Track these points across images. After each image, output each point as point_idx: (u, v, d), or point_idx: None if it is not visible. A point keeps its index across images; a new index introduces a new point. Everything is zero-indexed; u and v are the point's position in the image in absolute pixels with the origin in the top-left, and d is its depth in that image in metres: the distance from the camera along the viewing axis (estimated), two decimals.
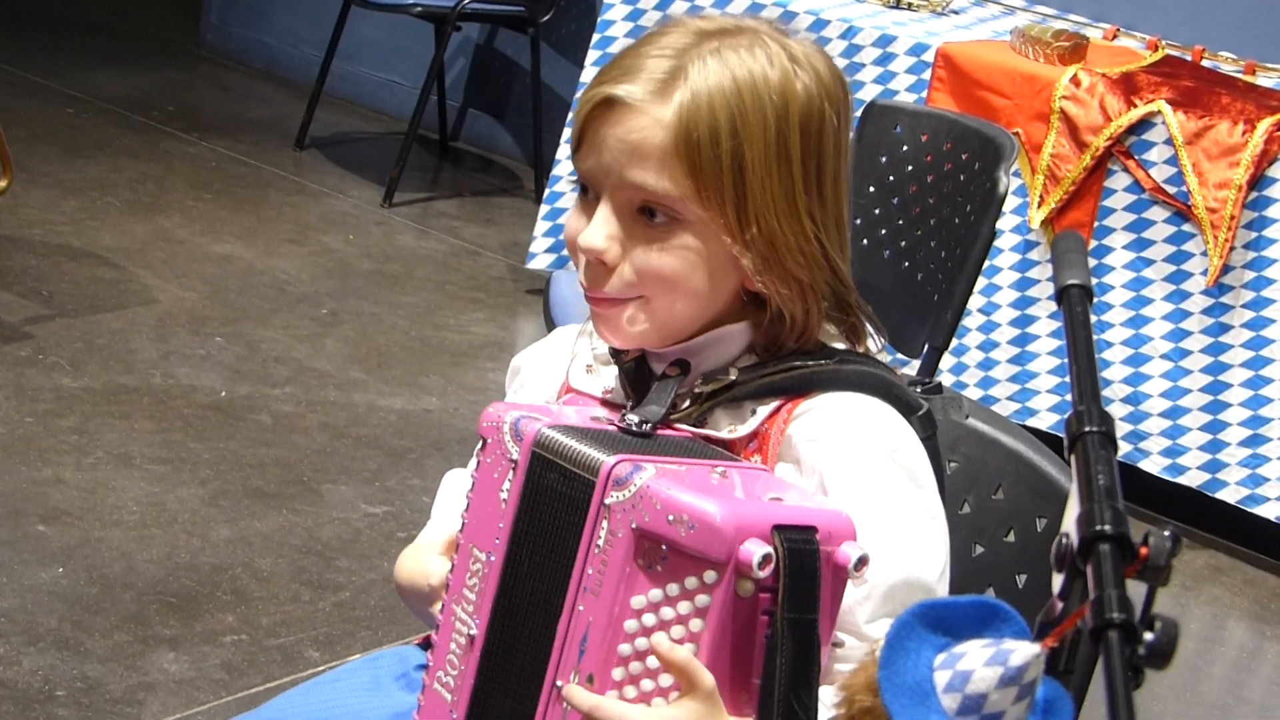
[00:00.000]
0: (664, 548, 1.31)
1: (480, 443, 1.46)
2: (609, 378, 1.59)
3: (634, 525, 1.32)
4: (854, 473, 1.46)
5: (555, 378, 1.66)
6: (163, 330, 4.19)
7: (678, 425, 1.50)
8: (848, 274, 1.55)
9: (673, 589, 1.32)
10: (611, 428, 1.46)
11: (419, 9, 5.61)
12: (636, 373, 1.55)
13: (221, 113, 6.28)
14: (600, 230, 1.49)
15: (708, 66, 1.47)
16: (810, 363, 1.52)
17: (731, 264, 1.49)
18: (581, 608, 1.35)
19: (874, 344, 1.59)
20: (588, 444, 1.39)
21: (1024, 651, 1.02)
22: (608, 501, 1.34)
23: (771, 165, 1.47)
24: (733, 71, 1.47)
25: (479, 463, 1.46)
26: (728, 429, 1.50)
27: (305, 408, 3.91)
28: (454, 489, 1.78)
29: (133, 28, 7.16)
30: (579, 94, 1.61)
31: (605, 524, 1.34)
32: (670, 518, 1.30)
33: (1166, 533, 1.00)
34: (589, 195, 1.52)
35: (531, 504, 1.41)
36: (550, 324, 2.91)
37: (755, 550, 1.29)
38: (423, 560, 1.62)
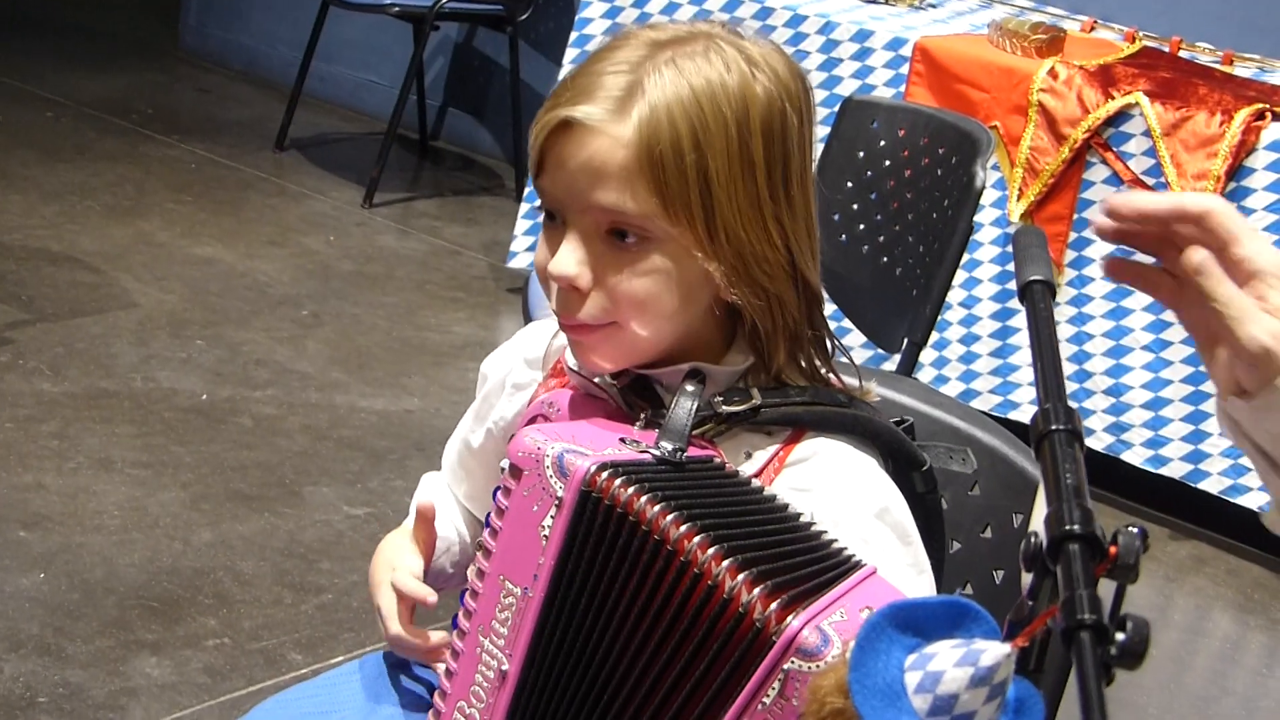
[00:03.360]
0: None
1: (508, 467, 1.39)
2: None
3: None
4: (843, 530, 1.42)
5: (529, 376, 1.64)
6: (143, 334, 4.18)
7: (702, 441, 1.46)
8: (818, 283, 1.51)
9: None
10: (646, 456, 1.40)
11: (397, 9, 5.60)
12: (637, 384, 1.51)
13: (201, 115, 6.27)
14: (570, 257, 1.45)
15: (664, 78, 1.42)
16: (828, 402, 1.49)
17: (704, 278, 1.46)
18: None
19: (843, 359, 1.55)
20: (661, 503, 1.32)
21: (994, 651, 1.01)
22: (788, 668, 1.27)
23: (736, 174, 1.43)
24: (690, 81, 1.42)
25: (510, 491, 1.38)
26: (745, 452, 1.48)
27: (286, 410, 3.90)
28: (432, 490, 1.77)
29: (111, 30, 7.15)
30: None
31: (779, 685, 1.27)
32: None
33: (1135, 529, 1.00)
34: (555, 221, 1.48)
35: (591, 551, 1.35)
36: (529, 322, 2.90)
37: None
38: (400, 550, 1.62)
